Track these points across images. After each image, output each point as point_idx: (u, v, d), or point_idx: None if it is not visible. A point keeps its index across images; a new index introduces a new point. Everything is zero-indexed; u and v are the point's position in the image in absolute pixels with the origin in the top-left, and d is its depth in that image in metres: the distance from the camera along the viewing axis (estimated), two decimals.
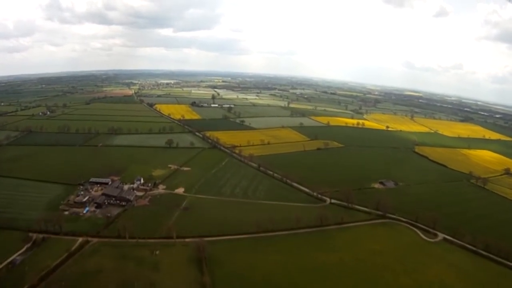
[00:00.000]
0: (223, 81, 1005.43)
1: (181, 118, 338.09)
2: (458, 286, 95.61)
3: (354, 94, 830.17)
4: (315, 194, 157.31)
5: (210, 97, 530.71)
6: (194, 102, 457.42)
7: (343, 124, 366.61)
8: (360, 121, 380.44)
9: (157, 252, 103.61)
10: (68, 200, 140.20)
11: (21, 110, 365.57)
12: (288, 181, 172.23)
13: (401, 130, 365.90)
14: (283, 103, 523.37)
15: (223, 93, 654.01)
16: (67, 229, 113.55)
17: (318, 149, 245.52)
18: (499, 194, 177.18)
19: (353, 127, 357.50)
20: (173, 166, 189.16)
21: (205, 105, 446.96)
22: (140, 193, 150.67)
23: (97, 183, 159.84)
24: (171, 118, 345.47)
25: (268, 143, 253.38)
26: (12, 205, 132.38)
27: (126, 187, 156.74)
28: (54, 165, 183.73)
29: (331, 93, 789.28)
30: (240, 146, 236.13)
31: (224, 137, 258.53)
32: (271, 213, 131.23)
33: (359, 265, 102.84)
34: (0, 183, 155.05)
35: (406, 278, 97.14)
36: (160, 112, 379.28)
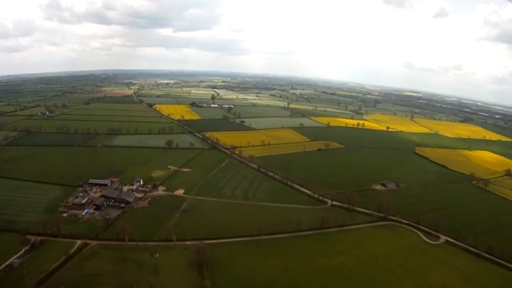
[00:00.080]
0: (222, 81, 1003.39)
1: (181, 118, 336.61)
2: None
3: (354, 94, 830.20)
4: (316, 195, 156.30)
5: (210, 97, 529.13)
6: (194, 102, 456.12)
7: (343, 125, 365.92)
8: (360, 122, 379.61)
9: (157, 255, 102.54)
10: (67, 202, 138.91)
11: (20, 110, 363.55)
12: (289, 182, 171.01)
13: (401, 131, 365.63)
14: (283, 104, 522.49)
15: (222, 93, 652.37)
16: (65, 232, 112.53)
17: (319, 150, 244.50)
18: (500, 196, 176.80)
19: (354, 127, 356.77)
20: (172, 167, 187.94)
21: (205, 105, 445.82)
22: (139, 195, 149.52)
23: (96, 184, 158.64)
24: (170, 118, 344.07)
25: (269, 144, 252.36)
26: (11, 206, 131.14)
27: (125, 188, 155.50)
28: (53, 166, 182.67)
29: (331, 94, 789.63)
30: (240, 147, 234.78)
31: (224, 137, 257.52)
32: (272, 215, 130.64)
33: (361, 268, 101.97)
34: None
35: (409, 282, 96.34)
36: (160, 112, 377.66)
